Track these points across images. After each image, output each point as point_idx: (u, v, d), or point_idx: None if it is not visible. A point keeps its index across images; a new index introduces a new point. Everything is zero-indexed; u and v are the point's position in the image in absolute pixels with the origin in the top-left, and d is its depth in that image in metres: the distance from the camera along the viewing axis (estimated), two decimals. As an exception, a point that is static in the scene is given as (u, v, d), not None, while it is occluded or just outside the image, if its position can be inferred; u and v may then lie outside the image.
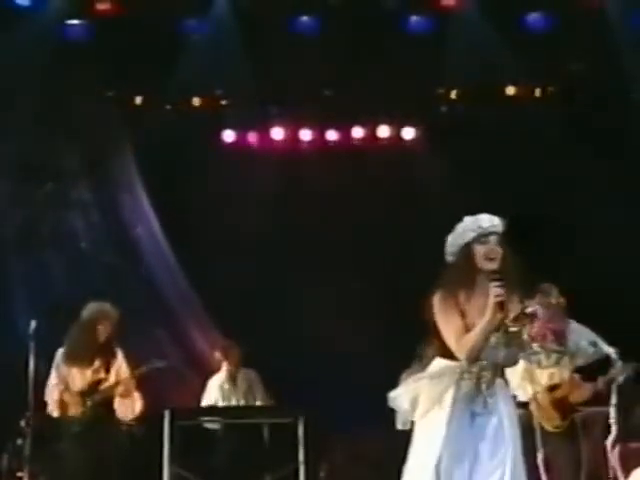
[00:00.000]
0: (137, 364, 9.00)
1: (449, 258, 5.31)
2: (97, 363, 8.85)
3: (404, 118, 12.67)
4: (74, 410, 8.78)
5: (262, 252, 11.97)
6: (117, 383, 8.86)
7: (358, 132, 12.72)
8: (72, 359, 8.86)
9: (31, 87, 11.61)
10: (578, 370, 8.01)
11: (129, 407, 9.02)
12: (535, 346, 7.89)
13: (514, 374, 7.03)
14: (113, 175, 12.47)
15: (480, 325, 5.11)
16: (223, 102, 12.53)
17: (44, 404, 8.95)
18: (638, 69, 11.67)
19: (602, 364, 8.01)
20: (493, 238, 5.20)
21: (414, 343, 9.75)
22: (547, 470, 7.95)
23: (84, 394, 8.79)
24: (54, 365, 8.92)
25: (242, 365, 10.82)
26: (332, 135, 12.77)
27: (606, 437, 8.48)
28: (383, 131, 12.70)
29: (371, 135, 12.71)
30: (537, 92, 12.35)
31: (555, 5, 11.67)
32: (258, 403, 10.70)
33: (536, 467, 7.85)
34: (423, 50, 11.60)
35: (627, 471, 8.06)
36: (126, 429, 9.48)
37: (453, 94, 12.43)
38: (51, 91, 11.69)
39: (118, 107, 12.17)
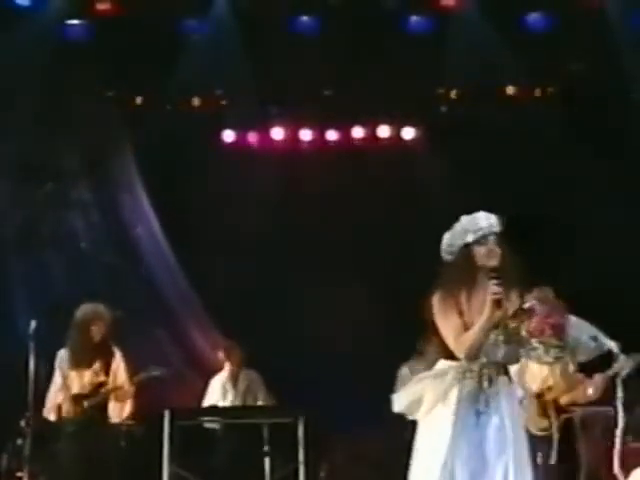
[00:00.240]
0: (136, 370, 9.00)
1: (447, 257, 5.33)
2: (97, 365, 8.83)
3: (404, 118, 12.67)
4: (69, 411, 8.76)
5: (262, 252, 11.97)
6: (115, 388, 8.86)
7: (358, 132, 12.71)
8: (73, 362, 8.85)
9: (31, 87, 11.61)
10: (581, 367, 7.99)
11: (121, 410, 9.04)
12: (534, 341, 7.86)
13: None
14: (113, 175, 12.47)
15: (478, 323, 5.14)
16: (223, 102, 12.53)
17: (44, 405, 8.94)
18: (638, 69, 11.67)
19: (604, 359, 7.99)
20: (492, 238, 5.23)
21: (414, 343, 9.76)
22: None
23: (81, 397, 8.77)
24: (57, 366, 8.91)
25: (244, 365, 10.83)
26: (332, 135, 12.77)
27: (606, 437, 8.45)
28: (383, 131, 12.70)
29: (371, 135, 12.70)
30: (537, 92, 12.35)
31: (555, 5, 11.67)
32: (260, 403, 10.70)
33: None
34: (423, 50, 11.61)
35: (627, 471, 8.04)
36: (125, 429, 9.49)
37: (453, 94, 12.43)
38: (51, 91, 11.69)
39: (118, 107, 12.17)
